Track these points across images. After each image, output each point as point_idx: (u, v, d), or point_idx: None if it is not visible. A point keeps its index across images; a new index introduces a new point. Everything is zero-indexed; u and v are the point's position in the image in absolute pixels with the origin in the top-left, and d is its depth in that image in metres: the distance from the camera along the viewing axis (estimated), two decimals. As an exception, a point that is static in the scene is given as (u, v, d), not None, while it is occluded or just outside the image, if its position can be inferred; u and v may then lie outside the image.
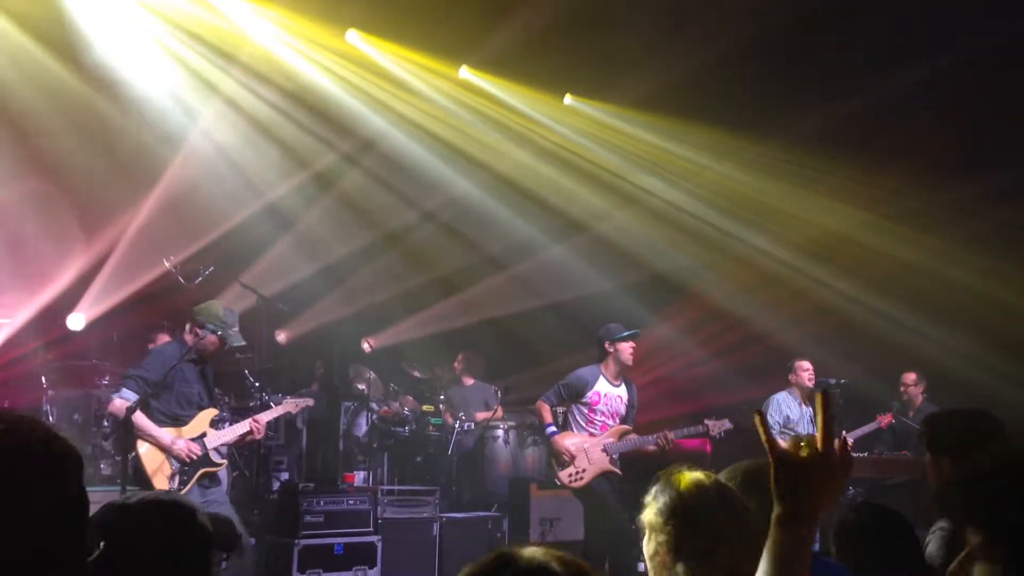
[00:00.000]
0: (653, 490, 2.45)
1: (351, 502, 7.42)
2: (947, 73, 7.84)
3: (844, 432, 7.84)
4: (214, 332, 6.34)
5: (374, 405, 9.35)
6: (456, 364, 10.04)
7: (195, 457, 6.18)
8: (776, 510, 1.65)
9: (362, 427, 9.29)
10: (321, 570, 7.02)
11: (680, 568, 2.31)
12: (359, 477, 8.59)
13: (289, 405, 6.97)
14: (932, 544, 3.16)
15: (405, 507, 7.74)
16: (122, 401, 6.10)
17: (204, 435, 6.33)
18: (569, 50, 8.58)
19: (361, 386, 9.51)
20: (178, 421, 6.29)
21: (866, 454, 8.13)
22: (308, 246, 10.16)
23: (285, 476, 8.86)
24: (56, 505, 1.42)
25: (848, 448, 1.69)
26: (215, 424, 6.56)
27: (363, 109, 9.34)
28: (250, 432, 6.50)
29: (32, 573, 1.37)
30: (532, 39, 8.22)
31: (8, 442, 1.41)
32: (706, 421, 7.23)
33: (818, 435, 1.65)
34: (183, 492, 6.00)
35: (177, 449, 6.13)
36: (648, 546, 2.41)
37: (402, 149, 9.74)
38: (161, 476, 6.08)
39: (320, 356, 10.55)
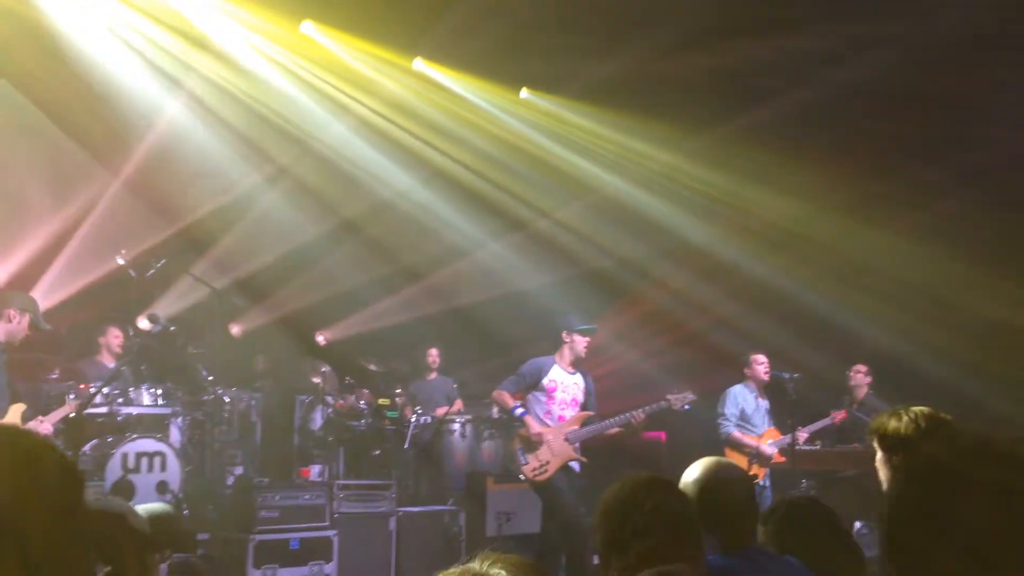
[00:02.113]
0: None
1: (307, 497, 7.36)
2: (891, 68, 7.95)
3: (799, 427, 7.96)
4: (26, 312, 6.38)
5: (329, 399, 9.29)
6: (431, 360, 10.06)
7: None
8: None
9: (317, 421, 9.22)
10: (277, 565, 6.95)
11: (614, 561, 2.48)
12: (314, 471, 8.51)
13: (69, 406, 6.87)
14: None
15: (361, 501, 7.69)
16: None
17: None
18: (524, 44, 8.55)
19: (316, 380, 9.44)
20: None
21: (818, 446, 8.25)
22: (261, 238, 10.06)
23: (239, 471, 8.77)
24: (60, 523, 1.37)
25: None
26: (26, 419, 6.48)
27: (316, 100, 9.24)
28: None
29: None
30: (489, 32, 8.19)
31: (10, 456, 1.35)
32: (668, 396, 7.29)
33: None
34: None
35: None
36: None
37: (352, 141, 9.66)
38: None
39: (264, 351, 10.45)
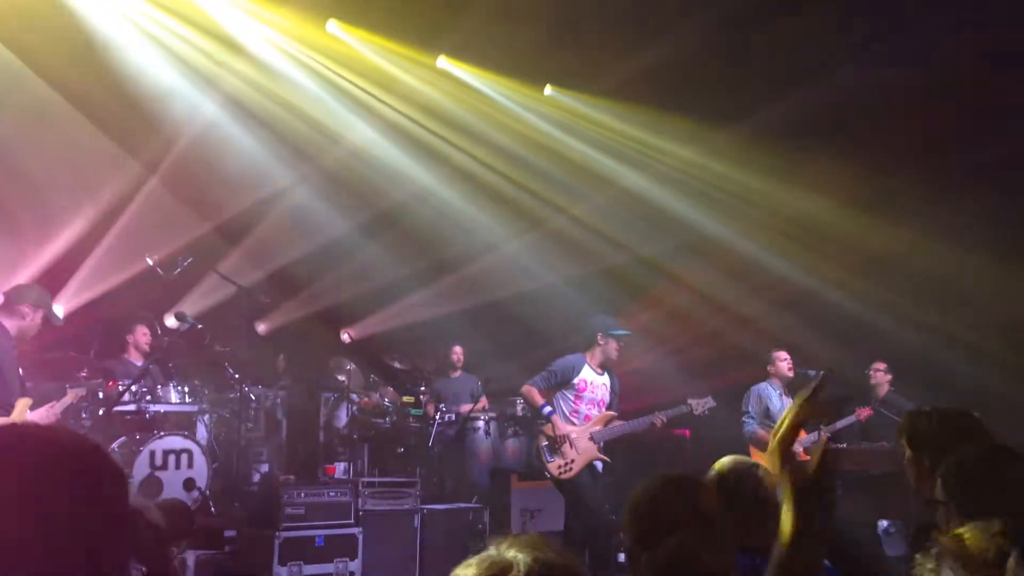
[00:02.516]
0: None
1: (332, 494, 7.39)
2: (914, 64, 7.90)
3: (821, 425, 7.92)
4: (39, 308, 6.43)
5: (354, 396, 9.33)
6: (455, 357, 10.08)
7: None
8: None
9: (342, 418, 9.25)
10: (302, 562, 6.99)
11: (644, 557, 2.49)
12: (339, 469, 8.56)
13: (71, 395, 6.92)
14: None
15: (386, 499, 7.71)
16: None
17: None
18: (547, 40, 8.54)
19: (341, 377, 9.48)
20: (6, 410, 6.24)
21: (845, 445, 8.20)
22: (287, 237, 10.11)
23: (265, 468, 8.83)
24: (100, 522, 1.40)
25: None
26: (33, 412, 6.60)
27: (342, 99, 9.28)
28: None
29: None
30: (511, 29, 8.20)
31: (49, 454, 1.38)
32: (689, 400, 7.32)
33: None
34: None
35: None
36: None
37: (378, 139, 9.68)
38: None
39: (289, 349, 10.50)
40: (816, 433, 7.75)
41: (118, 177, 8.60)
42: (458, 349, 10.10)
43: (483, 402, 9.17)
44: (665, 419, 7.20)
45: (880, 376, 8.79)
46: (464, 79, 9.58)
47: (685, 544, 2.36)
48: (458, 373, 10.07)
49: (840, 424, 8.22)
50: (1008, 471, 2.73)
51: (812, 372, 7.96)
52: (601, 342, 7.32)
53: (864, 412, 8.33)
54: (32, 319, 6.43)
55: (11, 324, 6.39)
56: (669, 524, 2.44)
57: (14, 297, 6.44)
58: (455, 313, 11.05)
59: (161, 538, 2.60)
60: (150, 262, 7.67)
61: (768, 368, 8.40)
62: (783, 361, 8.36)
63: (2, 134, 7.85)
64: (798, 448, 7.77)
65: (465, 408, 9.35)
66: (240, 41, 8.37)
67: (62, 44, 7.58)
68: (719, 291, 10.66)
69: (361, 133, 9.58)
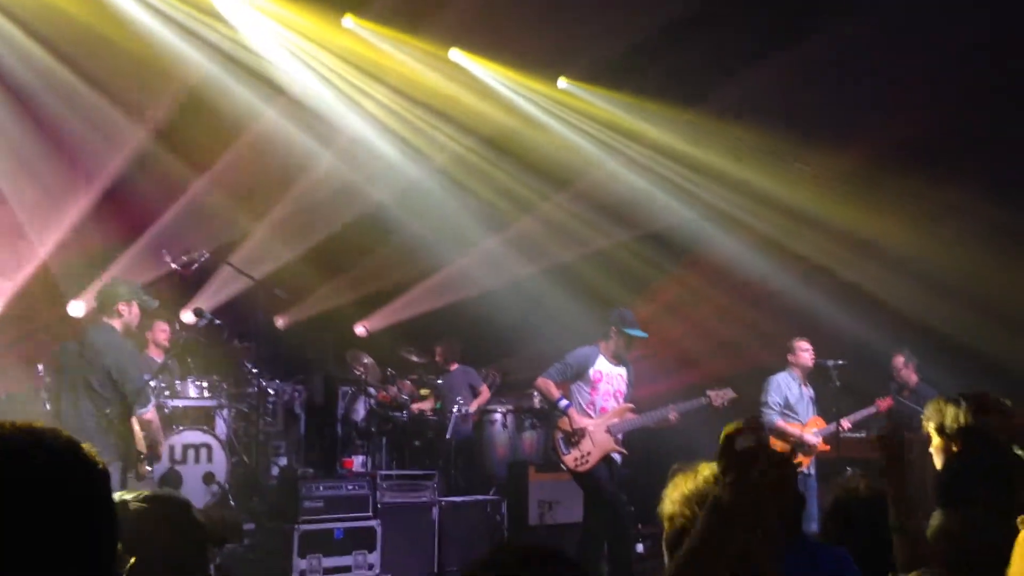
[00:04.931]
0: (670, 484, 2.57)
1: (350, 487, 7.43)
2: (915, 66, 7.85)
3: (841, 417, 7.87)
4: (132, 301, 6.46)
5: (371, 390, 9.35)
6: (437, 355, 10.02)
7: None
8: None
9: (360, 412, 9.29)
10: (321, 555, 7.03)
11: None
12: (357, 462, 8.60)
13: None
14: None
15: (404, 492, 7.75)
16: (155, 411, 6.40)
17: None
18: (559, 30, 8.48)
19: (358, 371, 9.51)
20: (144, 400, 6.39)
21: (865, 434, 8.14)
22: (298, 230, 10.10)
23: (284, 462, 8.88)
24: (86, 516, 1.40)
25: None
26: None
27: (349, 94, 9.26)
28: None
29: None
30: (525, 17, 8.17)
31: (34, 453, 1.38)
32: (708, 392, 7.22)
33: None
34: None
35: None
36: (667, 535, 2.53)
37: (376, 131, 9.64)
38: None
39: (308, 343, 10.50)
40: (835, 424, 7.71)
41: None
42: (440, 345, 9.98)
43: (484, 395, 9.14)
44: (679, 413, 7.12)
45: (903, 372, 8.66)
46: (474, 71, 9.52)
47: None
48: (455, 366, 9.88)
49: (860, 415, 8.14)
50: None
51: (830, 363, 7.90)
52: (613, 336, 7.25)
53: (884, 403, 8.23)
54: (130, 314, 6.42)
55: (115, 323, 6.38)
56: None
57: (107, 299, 6.44)
58: (462, 302, 10.86)
59: (203, 537, 2.66)
60: (169, 261, 7.71)
61: (788, 357, 8.29)
62: (805, 351, 8.23)
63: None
64: (816, 439, 7.75)
65: (474, 404, 9.34)
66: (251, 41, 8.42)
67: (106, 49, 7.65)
68: (742, 273, 10.58)
69: (359, 126, 9.51)
